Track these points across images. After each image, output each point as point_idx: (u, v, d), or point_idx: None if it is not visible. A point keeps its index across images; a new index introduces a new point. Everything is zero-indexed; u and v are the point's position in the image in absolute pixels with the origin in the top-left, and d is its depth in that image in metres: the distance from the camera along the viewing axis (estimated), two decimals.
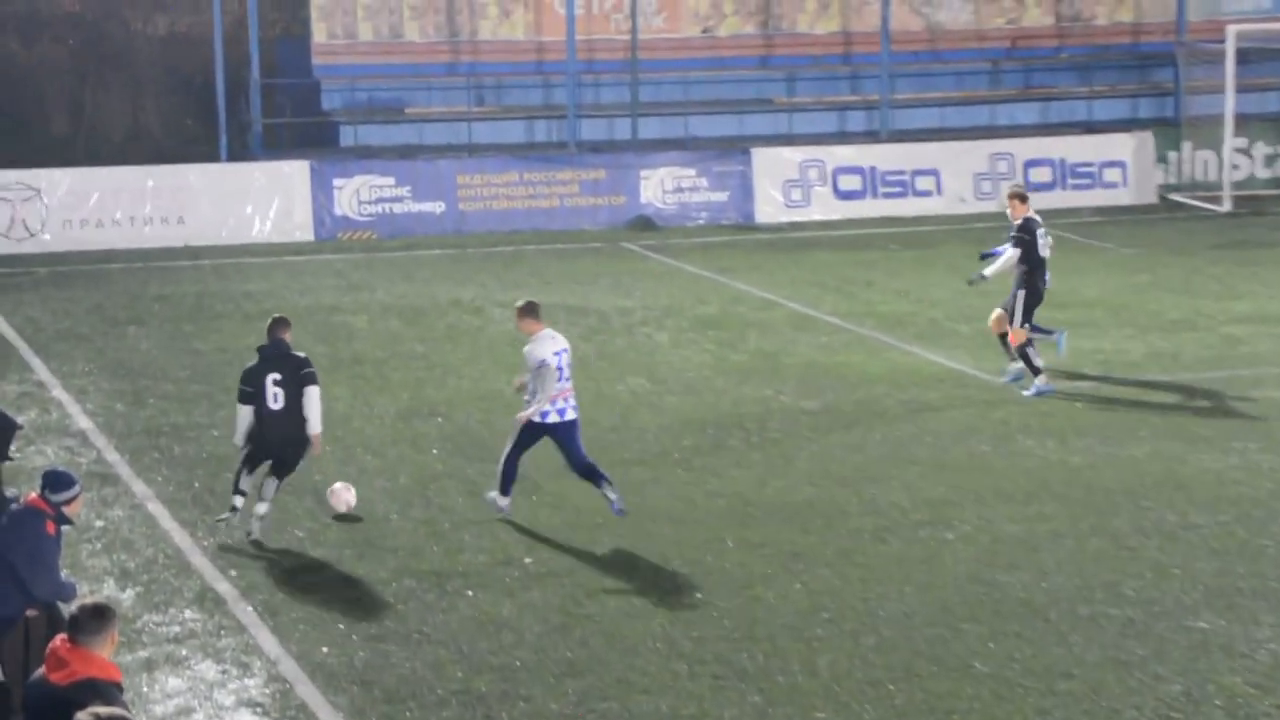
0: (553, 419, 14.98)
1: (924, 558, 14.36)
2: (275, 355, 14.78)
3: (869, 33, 35.32)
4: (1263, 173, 34.03)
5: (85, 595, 12.03)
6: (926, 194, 32.49)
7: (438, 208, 30.91)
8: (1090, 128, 35.09)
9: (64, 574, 11.40)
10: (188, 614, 13.33)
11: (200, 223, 29.61)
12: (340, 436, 17.52)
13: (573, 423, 15.06)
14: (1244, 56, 32.48)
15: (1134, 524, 15.04)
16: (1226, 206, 32.18)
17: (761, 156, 32.22)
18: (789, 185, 32.26)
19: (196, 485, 16.32)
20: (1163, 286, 25.35)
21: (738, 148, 32.69)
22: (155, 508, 15.72)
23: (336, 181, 30.40)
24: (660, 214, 31.42)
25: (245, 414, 14.74)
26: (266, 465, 14.81)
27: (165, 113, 35.42)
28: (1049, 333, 19.90)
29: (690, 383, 20.11)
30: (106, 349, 21.93)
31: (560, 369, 14.88)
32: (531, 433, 15.11)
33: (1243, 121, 32.93)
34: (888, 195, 32.39)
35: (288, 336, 14.95)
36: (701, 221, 31.55)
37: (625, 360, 21.14)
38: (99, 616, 8.83)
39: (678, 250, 29.00)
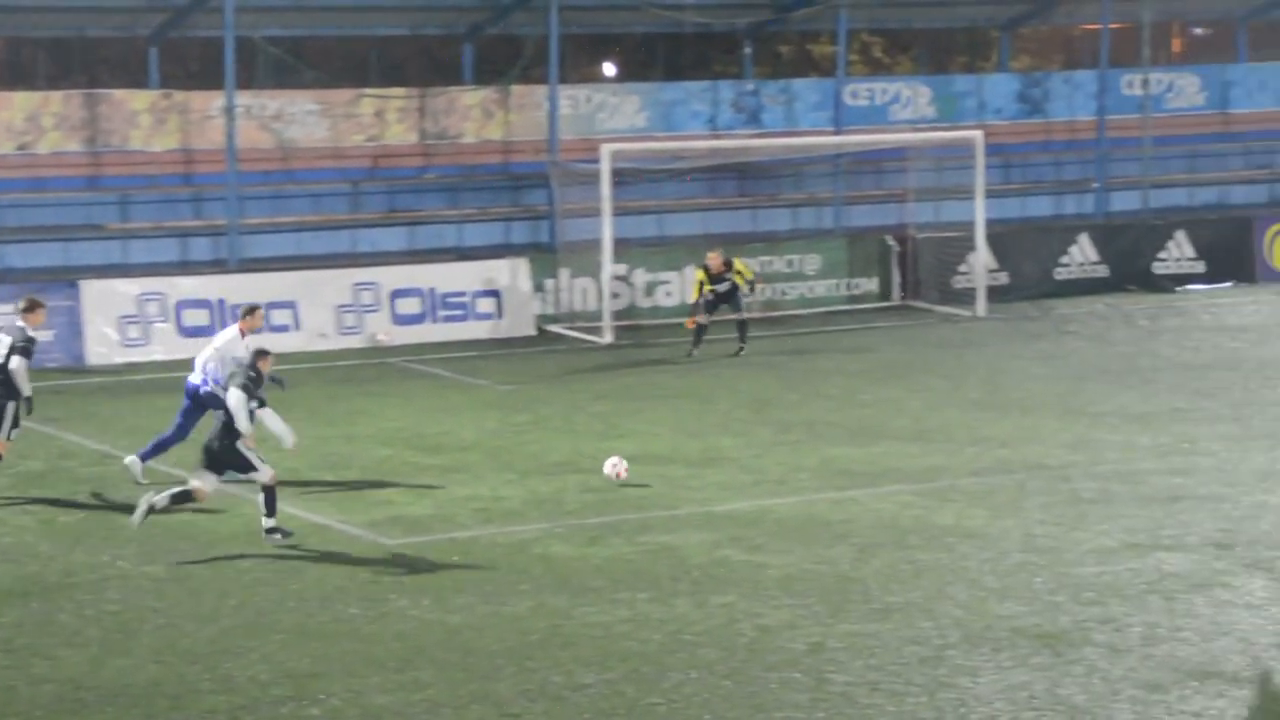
0: None
1: None
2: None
3: (213, 150, 35.28)
4: (644, 301, 35.64)
5: None
6: (283, 329, 32.51)
7: None
8: (461, 254, 36.00)
9: None
10: None
11: None
12: None
13: None
14: (619, 177, 34.04)
15: (518, 688, 15.35)
16: (608, 338, 33.51)
17: (92, 289, 31.63)
18: (125, 321, 31.76)
19: None
20: (543, 426, 26.12)
21: (64, 279, 32.01)
22: None
23: None
24: None
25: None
26: None
27: None
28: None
29: (9, 550, 19.47)
30: None
31: None
32: None
33: (621, 247, 34.43)
34: None
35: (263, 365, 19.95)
36: None
37: None
38: None
39: None
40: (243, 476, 19.83)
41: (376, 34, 40.63)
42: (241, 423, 19.53)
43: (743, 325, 32.13)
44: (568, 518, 20.92)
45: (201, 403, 22.34)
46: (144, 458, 22.67)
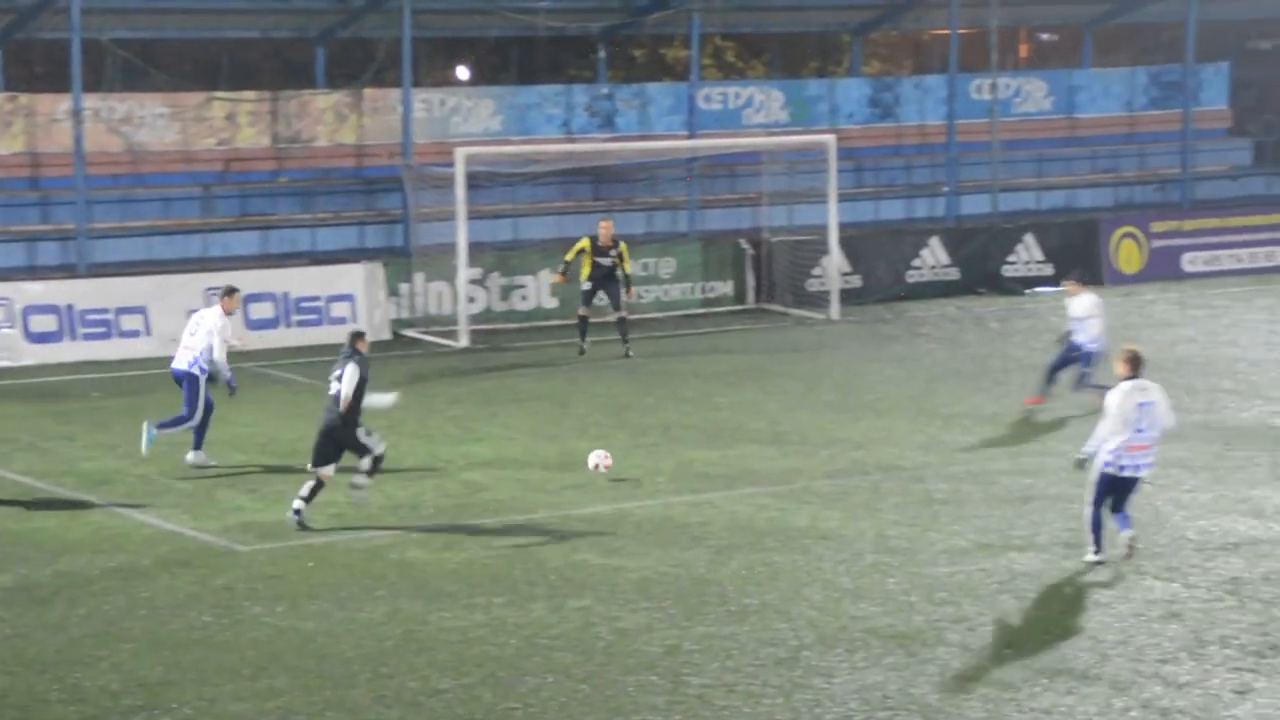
0: None
1: None
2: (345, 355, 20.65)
3: (60, 154, 34.80)
4: (499, 305, 35.55)
5: None
6: (134, 334, 32.17)
7: None
8: (315, 258, 35.75)
9: None
10: None
11: None
12: None
13: None
14: (473, 181, 33.94)
15: (374, 693, 15.26)
16: (463, 342, 33.40)
17: None
18: None
19: None
20: (398, 430, 25.91)
21: None
22: None
23: None
24: None
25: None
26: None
27: None
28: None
29: None
30: None
31: None
32: None
33: (476, 251, 34.34)
34: (89, 337, 31.89)
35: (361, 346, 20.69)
36: None
37: None
38: None
39: None
40: (360, 460, 20.59)
41: (227, 37, 40.28)
42: (367, 400, 20.59)
43: (622, 324, 32.13)
44: (424, 522, 20.83)
45: (193, 382, 23.43)
46: (197, 447, 23.61)
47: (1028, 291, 39.61)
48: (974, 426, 26.03)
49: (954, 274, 39.46)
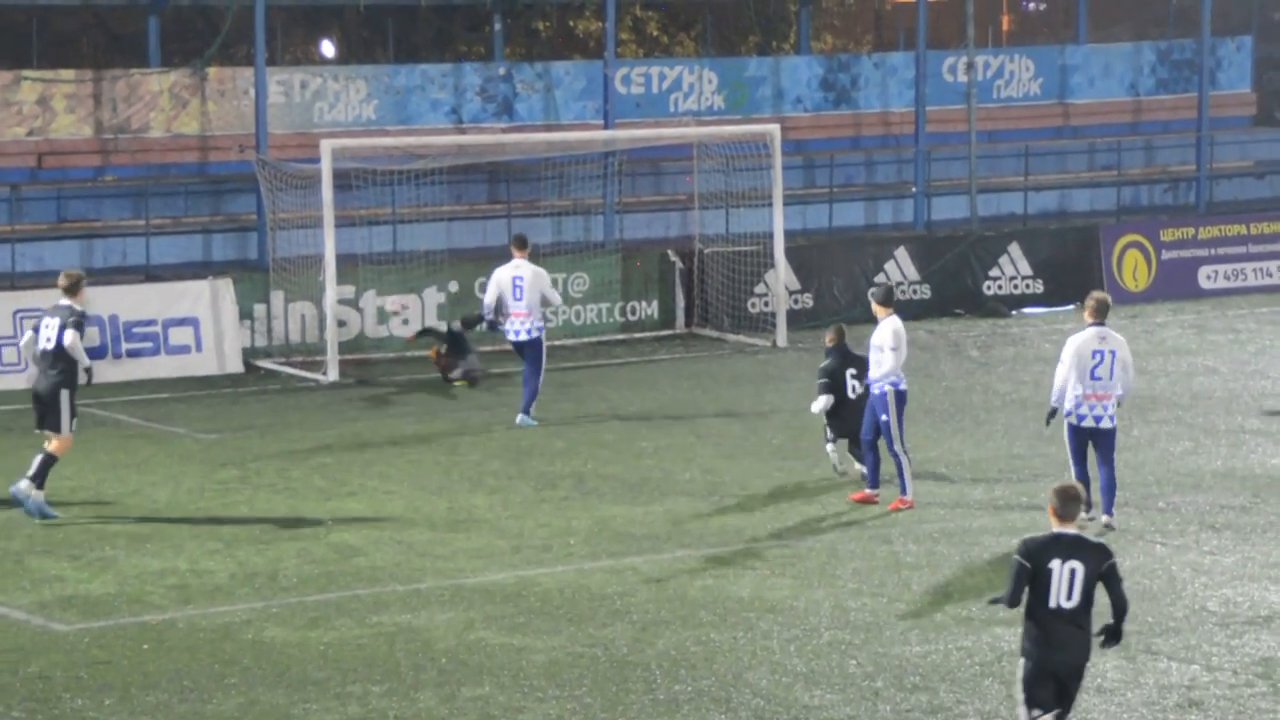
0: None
1: None
2: (849, 355, 25.38)
3: None
4: (375, 330, 35.54)
5: None
6: None
7: None
8: (150, 274, 35.62)
9: None
10: None
11: None
12: None
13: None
14: (343, 180, 33.90)
15: None
16: (333, 375, 33.35)
17: None
18: None
19: None
20: (254, 483, 25.94)
21: None
22: None
23: None
24: None
25: (824, 401, 25.18)
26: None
27: None
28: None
29: None
30: None
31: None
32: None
33: (347, 264, 34.29)
34: None
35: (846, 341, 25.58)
36: None
37: None
38: None
39: None
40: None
41: (39, 2, 40.14)
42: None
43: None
44: (285, 595, 20.79)
45: (538, 345, 28.81)
46: (526, 410, 29.03)
47: (1014, 313, 39.90)
48: (950, 475, 26.18)
49: (925, 292, 39.71)
